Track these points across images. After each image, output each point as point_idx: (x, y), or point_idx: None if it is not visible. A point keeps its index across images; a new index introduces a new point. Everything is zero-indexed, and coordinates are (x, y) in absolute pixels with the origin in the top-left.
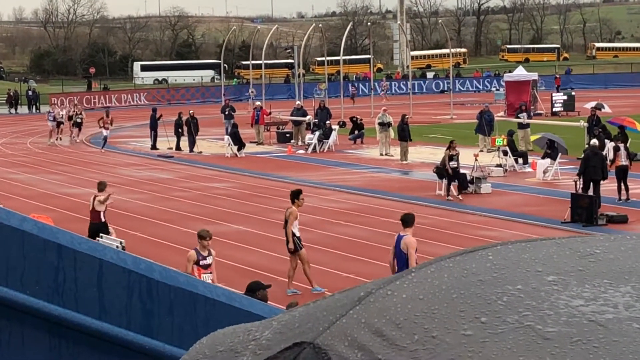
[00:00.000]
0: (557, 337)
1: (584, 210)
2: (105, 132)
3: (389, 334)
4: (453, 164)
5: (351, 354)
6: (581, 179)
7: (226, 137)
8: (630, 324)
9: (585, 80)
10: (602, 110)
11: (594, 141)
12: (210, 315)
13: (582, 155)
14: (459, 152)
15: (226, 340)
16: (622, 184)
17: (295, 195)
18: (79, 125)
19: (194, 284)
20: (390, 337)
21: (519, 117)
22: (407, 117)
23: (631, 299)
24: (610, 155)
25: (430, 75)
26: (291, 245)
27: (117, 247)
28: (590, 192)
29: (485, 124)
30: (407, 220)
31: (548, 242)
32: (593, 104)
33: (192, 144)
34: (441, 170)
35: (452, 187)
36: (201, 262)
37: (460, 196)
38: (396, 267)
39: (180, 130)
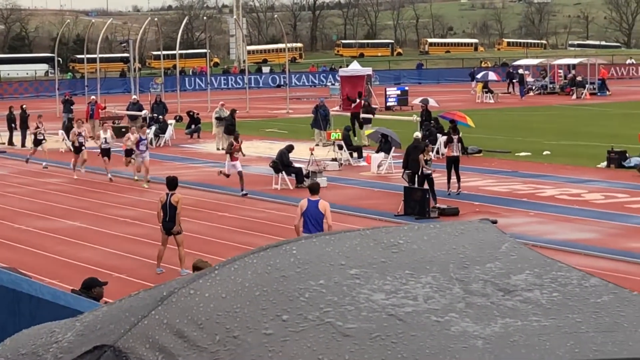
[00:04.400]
0: (357, 333)
1: (417, 203)
2: (236, 166)
3: (190, 335)
4: (427, 168)
5: (152, 356)
6: (405, 172)
7: (60, 131)
8: (428, 316)
9: (418, 75)
10: (427, 104)
11: (417, 134)
12: (35, 314)
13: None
14: (432, 156)
15: (29, 343)
16: (455, 176)
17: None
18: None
19: (18, 282)
20: (192, 338)
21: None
22: (236, 111)
23: (431, 289)
24: (442, 149)
25: (266, 69)
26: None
27: None
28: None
29: (320, 119)
30: (316, 189)
31: (352, 234)
32: (420, 99)
33: (23, 138)
34: (277, 165)
35: (288, 180)
36: None
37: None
38: (302, 230)
39: (13, 125)
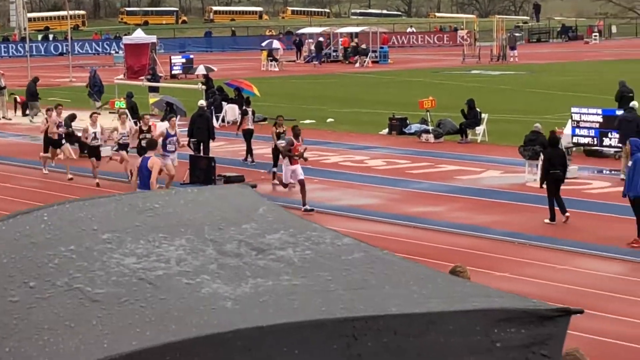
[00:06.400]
0: (105, 298)
1: (203, 172)
2: (297, 172)
3: None
4: (281, 142)
5: None
6: (191, 141)
7: None
8: (179, 279)
9: (203, 43)
10: (194, 73)
11: (201, 102)
12: None
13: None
14: (286, 129)
15: None
16: (247, 146)
17: None
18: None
19: None
20: None
21: (143, 80)
22: (38, 80)
23: (184, 252)
24: (230, 117)
25: (50, 37)
26: None
27: None
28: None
29: (93, 87)
30: (153, 146)
31: (107, 199)
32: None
33: None
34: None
35: (71, 150)
36: None
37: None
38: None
39: None
